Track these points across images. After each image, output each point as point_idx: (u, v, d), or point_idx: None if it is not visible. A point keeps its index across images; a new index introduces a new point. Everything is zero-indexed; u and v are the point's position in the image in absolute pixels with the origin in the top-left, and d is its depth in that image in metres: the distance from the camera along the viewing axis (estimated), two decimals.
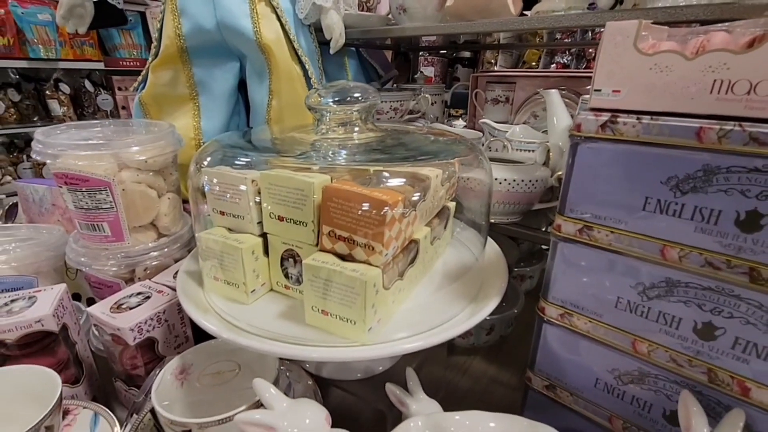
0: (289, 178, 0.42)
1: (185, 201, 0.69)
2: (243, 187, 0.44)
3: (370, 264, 0.39)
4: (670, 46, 0.35)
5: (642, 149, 0.34)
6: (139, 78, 0.72)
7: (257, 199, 0.45)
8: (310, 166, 0.44)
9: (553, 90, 0.68)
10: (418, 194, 0.43)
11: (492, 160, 0.70)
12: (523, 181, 0.59)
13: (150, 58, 0.70)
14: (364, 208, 0.38)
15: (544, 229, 0.70)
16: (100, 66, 2.06)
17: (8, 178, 1.90)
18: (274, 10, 0.66)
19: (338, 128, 0.49)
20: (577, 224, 0.39)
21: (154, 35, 0.69)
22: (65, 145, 0.48)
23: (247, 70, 0.72)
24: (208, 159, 0.48)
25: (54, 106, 1.98)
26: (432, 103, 1.00)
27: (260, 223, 0.46)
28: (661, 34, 0.39)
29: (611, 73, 0.37)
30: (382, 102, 0.82)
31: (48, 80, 2.01)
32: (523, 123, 0.87)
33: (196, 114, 0.72)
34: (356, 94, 0.47)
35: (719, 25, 0.36)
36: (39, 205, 0.78)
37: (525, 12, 0.69)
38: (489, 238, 0.56)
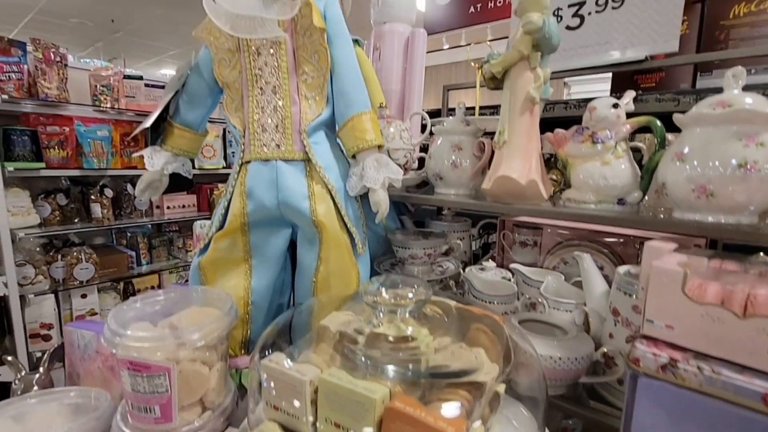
0: (350, 390, 0.43)
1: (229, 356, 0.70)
2: (301, 392, 0.45)
3: None
4: (717, 294, 0.38)
5: (706, 399, 0.35)
6: (201, 245, 0.78)
7: (314, 400, 0.46)
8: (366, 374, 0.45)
9: (586, 255, 0.72)
10: (477, 408, 0.43)
11: (530, 321, 0.71)
12: (569, 359, 0.59)
13: (213, 230, 0.77)
14: None
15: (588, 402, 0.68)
16: (144, 172, 2.25)
17: (40, 277, 1.96)
18: (329, 191, 0.74)
19: (390, 324, 0.51)
20: None
21: (220, 211, 0.77)
22: (132, 337, 0.51)
23: (298, 236, 0.79)
24: (268, 351, 0.50)
25: (96, 209, 2.12)
26: (460, 239, 1.05)
27: (315, 424, 0.46)
28: (701, 265, 0.42)
29: (662, 309, 0.39)
30: (417, 249, 0.87)
31: (95, 185, 2.18)
32: (553, 268, 0.90)
33: (248, 274, 0.76)
34: (410, 295, 0.50)
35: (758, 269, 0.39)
36: (83, 350, 0.80)
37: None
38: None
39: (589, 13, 0.94)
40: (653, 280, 0.40)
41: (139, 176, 2.67)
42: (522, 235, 0.96)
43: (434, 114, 1.47)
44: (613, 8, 0.91)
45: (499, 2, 2.07)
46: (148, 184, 0.81)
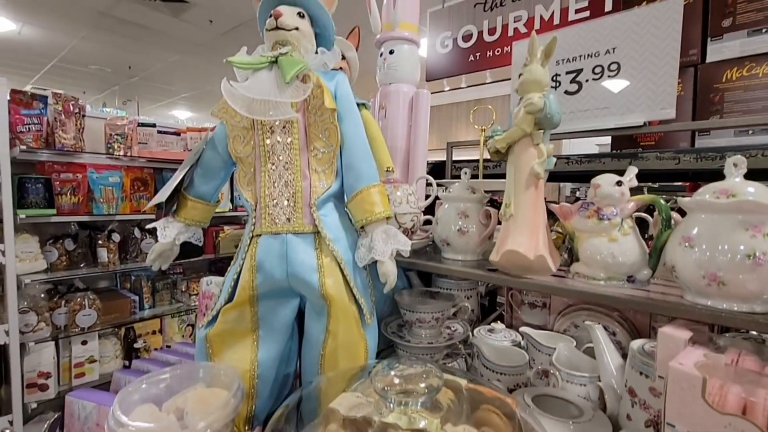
0: None
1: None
2: None
3: None
4: (738, 402, 0.37)
5: None
6: (208, 317, 0.78)
7: None
8: None
9: (598, 326, 0.70)
10: None
11: (543, 396, 0.69)
12: None
13: (222, 302, 0.77)
14: None
15: None
16: (152, 217, 2.28)
17: (42, 324, 1.94)
18: (338, 263, 0.74)
19: (401, 414, 0.50)
20: None
21: (229, 283, 0.78)
22: (136, 429, 0.50)
23: (307, 306, 0.79)
24: None
25: (102, 253, 2.13)
26: (468, 297, 1.04)
27: None
28: (719, 364, 0.42)
29: (683, 415, 0.38)
30: (424, 313, 0.86)
31: (103, 230, 2.21)
32: (564, 331, 0.88)
33: (255, 345, 0.76)
34: (421, 384, 0.49)
35: None
36: (83, 422, 0.78)
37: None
38: None
39: (587, 80, 0.99)
40: (671, 384, 0.39)
41: (146, 220, 2.70)
42: (531, 296, 0.95)
43: (438, 167, 1.50)
44: (610, 76, 0.95)
45: (497, 51, 2.16)
46: (160, 254, 0.82)
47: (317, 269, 0.72)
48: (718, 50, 1.05)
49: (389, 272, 0.72)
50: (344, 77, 0.78)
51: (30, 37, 4.00)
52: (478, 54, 2.23)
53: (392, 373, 0.52)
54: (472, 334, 0.91)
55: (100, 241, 2.15)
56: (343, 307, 0.73)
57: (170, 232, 0.82)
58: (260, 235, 0.75)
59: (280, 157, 0.74)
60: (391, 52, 1.23)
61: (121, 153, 2.16)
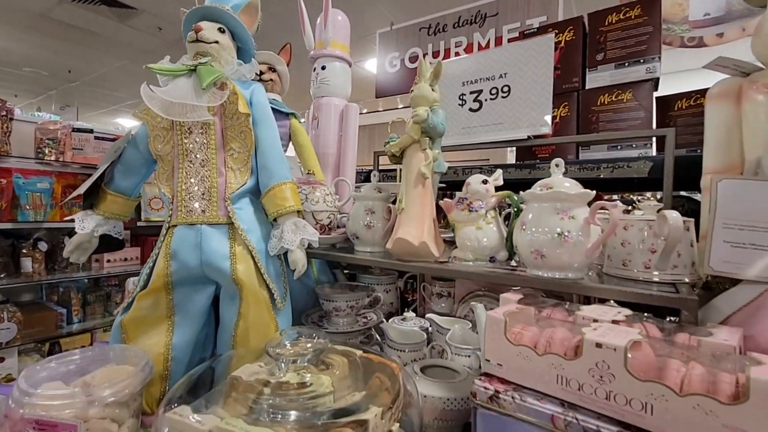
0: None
1: (145, 414, 0.72)
2: None
3: None
4: (530, 338, 0.49)
5: (517, 422, 0.45)
6: (124, 304, 0.81)
7: None
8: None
9: (480, 305, 0.82)
10: None
11: (435, 367, 0.80)
12: (456, 399, 0.68)
13: (138, 290, 0.81)
14: None
15: None
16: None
17: None
18: (250, 252, 0.82)
19: (294, 373, 0.58)
20: None
21: (146, 271, 0.82)
22: (41, 395, 0.54)
23: (221, 292, 0.84)
24: (175, 404, 0.55)
25: (26, 263, 2.02)
26: (387, 291, 1.14)
27: None
28: (529, 317, 0.54)
29: (494, 350, 0.50)
30: (340, 302, 0.95)
31: (28, 238, 2.09)
32: (464, 316, 1.01)
33: (170, 330, 0.80)
34: (308, 345, 0.58)
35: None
36: None
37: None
38: None
39: (486, 100, 1.15)
40: (487, 327, 0.50)
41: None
42: (438, 287, 1.07)
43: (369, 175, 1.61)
44: (503, 97, 1.12)
45: None
46: (77, 245, 0.85)
47: (229, 257, 0.79)
48: (594, 79, 1.27)
49: (298, 260, 0.81)
50: (260, 87, 0.87)
51: None
52: None
53: (286, 342, 0.60)
54: (385, 321, 1.01)
55: (24, 250, 2.03)
56: (253, 291, 0.79)
57: (88, 224, 0.85)
58: (176, 226, 0.81)
59: (197, 156, 0.81)
60: (323, 68, 1.34)
61: (52, 158, 2.08)
